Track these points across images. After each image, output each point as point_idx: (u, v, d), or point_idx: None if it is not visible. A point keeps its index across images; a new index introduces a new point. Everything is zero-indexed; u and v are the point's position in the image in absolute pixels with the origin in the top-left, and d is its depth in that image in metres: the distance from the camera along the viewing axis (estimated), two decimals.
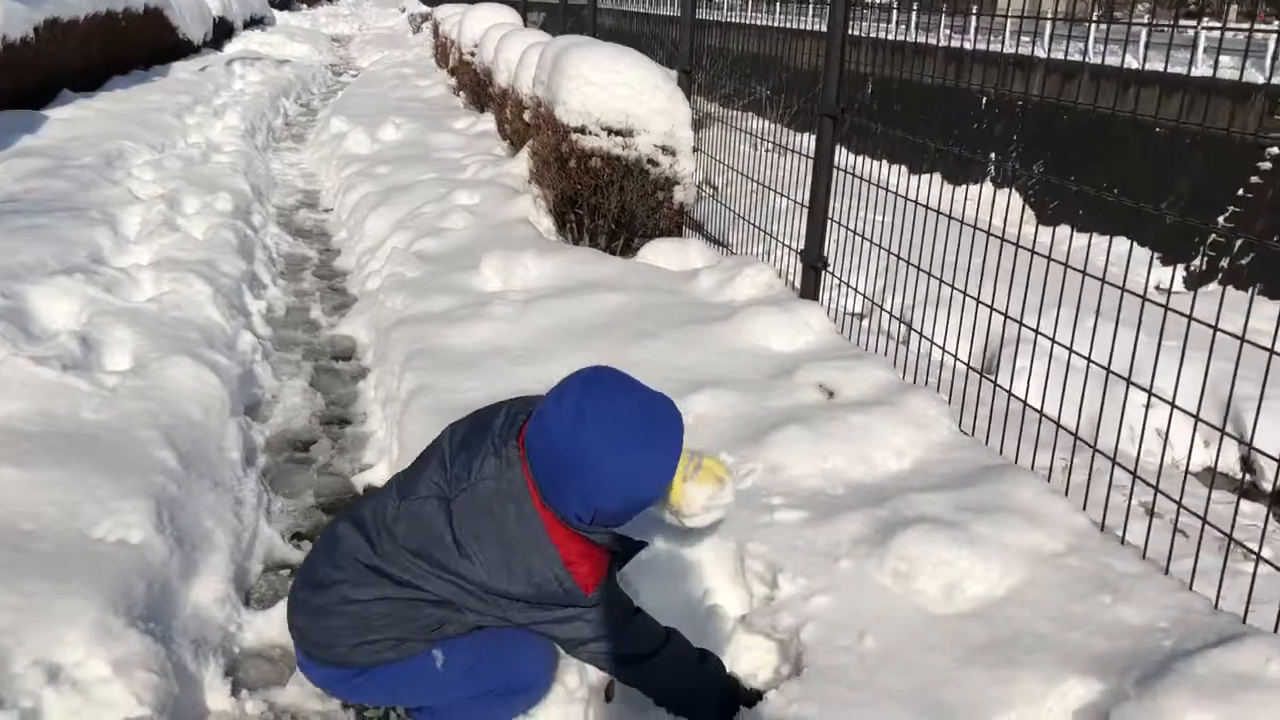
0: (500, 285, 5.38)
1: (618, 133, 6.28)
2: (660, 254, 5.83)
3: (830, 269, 4.75)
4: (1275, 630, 2.37)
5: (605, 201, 6.30)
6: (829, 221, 4.73)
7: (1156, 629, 2.43)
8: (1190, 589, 2.58)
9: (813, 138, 4.84)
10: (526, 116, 7.89)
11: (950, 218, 3.81)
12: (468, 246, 5.98)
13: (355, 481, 3.97)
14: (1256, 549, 2.55)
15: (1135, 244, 9.62)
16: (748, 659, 2.53)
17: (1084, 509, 2.97)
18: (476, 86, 11.57)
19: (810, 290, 4.78)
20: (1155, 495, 2.87)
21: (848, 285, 4.58)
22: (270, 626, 2.99)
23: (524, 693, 2.17)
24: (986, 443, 3.46)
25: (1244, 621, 2.42)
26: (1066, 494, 3.06)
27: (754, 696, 2.39)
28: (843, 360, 4.00)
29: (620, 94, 6.31)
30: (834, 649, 2.47)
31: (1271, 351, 2.48)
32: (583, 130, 6.27)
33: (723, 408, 3.71)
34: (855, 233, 4.48)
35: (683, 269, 5.63)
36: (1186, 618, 2.45)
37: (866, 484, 3.23)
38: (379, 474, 3.95)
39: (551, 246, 5.85)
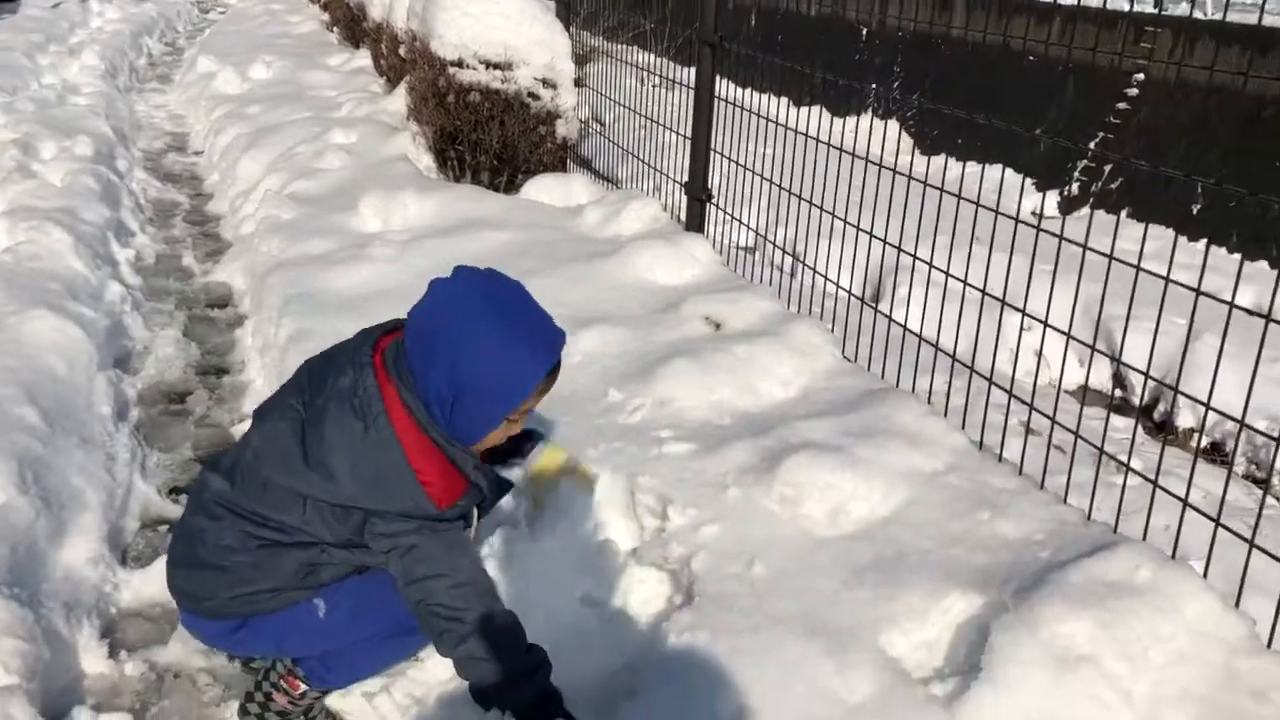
0: (380, 225, 5.24)
1: (496, 66, 6.14)
2: (544, 190, 5.75)
3: (715, 201, 4.74)
4: (1144, 538, 2.46)
5: (486, 137, 6.17)
6: (712, 153, 4.71)
7: (1033, 542, 2.50)
8: (1065, 502, 2.67)
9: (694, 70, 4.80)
10: (402, 51, 7.66)
11: (830, 145, 3.83)
12: (345, 187, 5.79)
13: (235, 432, 3.85)
14: (1126, 460, 2.64)
15: (1012, 172, 9.85)
16: (640, 591, 2.53)
17: (963, 429, 3.04)
18: (350, 22, 11.18)
19: (695, 223, 4.76)
20: (1030, 413, 2.96)
21: (733, 218, 4.58)
22: (149, 585, 2.88)
23: (415, 633, 2.12)
24: (869, 369, 3.52)
25: (1115, 531, 2.51)
26: (946, 415, 3.12)
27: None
28: (729, 292, 4.00)
29: (497, 25, 6.16)
30: (724, 576, 2.49)
31: (1138, 269, 2.55)
32: (460, 64, 6.11)
33: (610, 344, 3.69)
34: (739, 164, 4.47)
35: (567, 205, 5.56)
36: (1061, 530, 2.53)
37: (753, 414, 3.25)
38: None
39: (432, 184, 5.71)
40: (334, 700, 2.34)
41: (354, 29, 11.02)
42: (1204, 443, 5.36)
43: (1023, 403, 2.97)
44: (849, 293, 3.79)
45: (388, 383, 1.98)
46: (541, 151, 6.32)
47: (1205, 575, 2.33)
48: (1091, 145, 9.95)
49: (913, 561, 2.49)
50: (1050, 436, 2.86)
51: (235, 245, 5.78)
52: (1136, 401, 5.73)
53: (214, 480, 2.13)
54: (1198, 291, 2.36)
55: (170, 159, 8.06)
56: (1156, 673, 2.03)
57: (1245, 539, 2.25)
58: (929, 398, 3.27)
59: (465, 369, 1.93)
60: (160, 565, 2.73)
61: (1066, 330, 2.80)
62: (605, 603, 2.54)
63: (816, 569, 2.50)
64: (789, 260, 4.57)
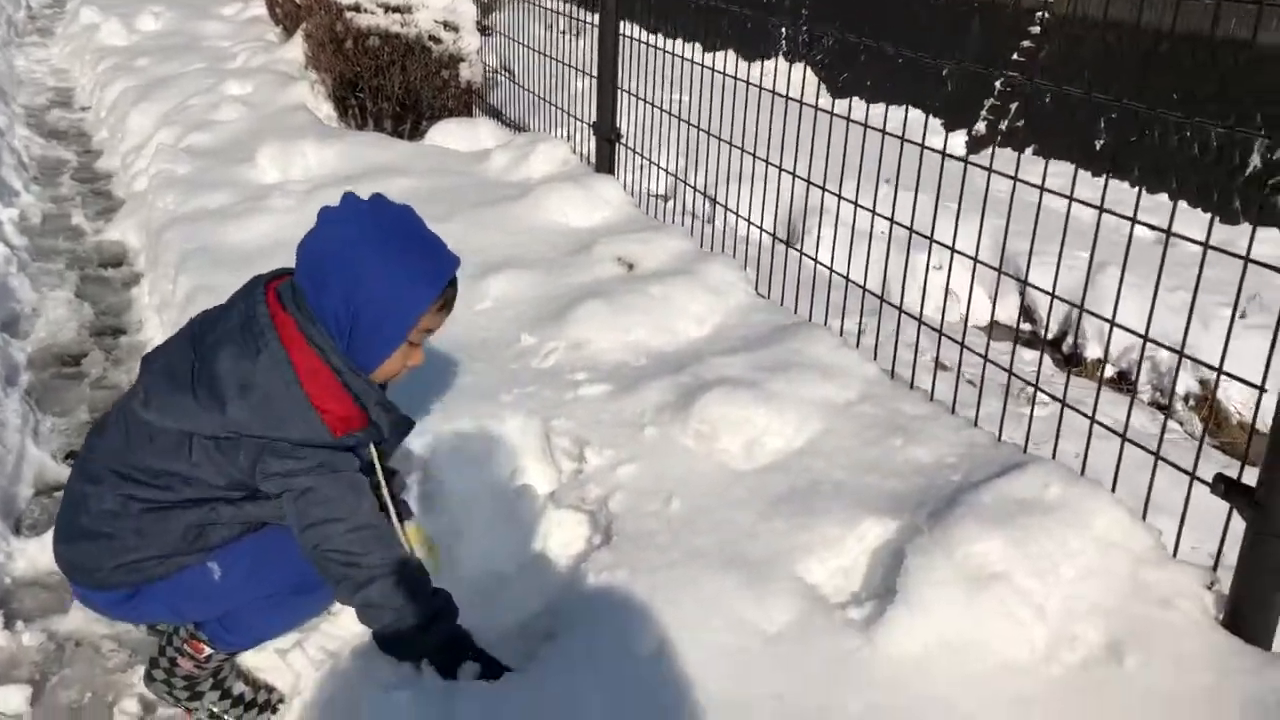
0: (279, 176, 5.07)
1: (395, 9, 5.98)
2: (449, 135, 5.62)
3: (624, 141, 4.67)
4: (1053, 456, 2.49)
5: (387, 83, 6.02)
6: (620, 92, 4.63)
7: (945, 465, 2.52)
8: (975, 425, 2.69)
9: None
10: None
11: (737, 79, 3.78)
12: (242, 139, 5.59)
13: None
14: (1035, 383, 2.66)
15: (919, 112, 9.90)
16: (559, 534, 2.50)
17: (874, 359, 3.05)
18: None
19: (605, 164, 4.69)
20: (939, 342, 2.97)
21: (645, 159, 4.52)
22: (45, 553, 2.75)
23: (319, 589, 2.05)
24: (781, 303, 3.51)
25: (1025, 451, 2.54)
26: (857, 346, 3.13)
27: (495, 665, 2.07)
28: (641, 233, 3.95)
29: None
30: (642, 515, 2.47)
31: (1043, 189, 2.56)
32: (357, 8, 5.93)
33: (522, 288, 3.62)
34: (649, 102, 4.40)
35: (473, 149, 5.44)
36: (972, 452, 2.55)
37: (668, 353, 3.22)
38: None
39: (333, 133, 5.54)
40: (246, 658, 2.27)
41: None
42: (1110, 372, 5.50)
43: (933, 329, 2.99)
44: (767, 232, 3.76)
45: (281, 312, 1.91)
46: (446, 96, 6.18)
47: (1026, 448, 2.46)
48: (997, 86, 10.08)
49: (827, 491, 2.49)
50: (959, 368, 2.87)
51: (128, 202, 5.55)
52: (1044, 334, 5.83)
53: (97, 442, 2.03)
54: (1100, 209, 2.38)
55: (55, 115, 7.70)
56: (1067, 587, 2.06)
57: (1151, 452, 2.29)
58: (841, 331, 3.28)
59: (360, 289, 1.88)
60: None
61: (974, 256, 2.80)
62: (524, 548, 2.51)
63: (733, 503, 2.48)
64: (704, 204, 4.53)
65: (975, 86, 10.25)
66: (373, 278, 1.89)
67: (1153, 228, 2.36)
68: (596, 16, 4.76)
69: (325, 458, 1.91)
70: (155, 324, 4.14)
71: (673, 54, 4.28)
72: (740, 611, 2.17)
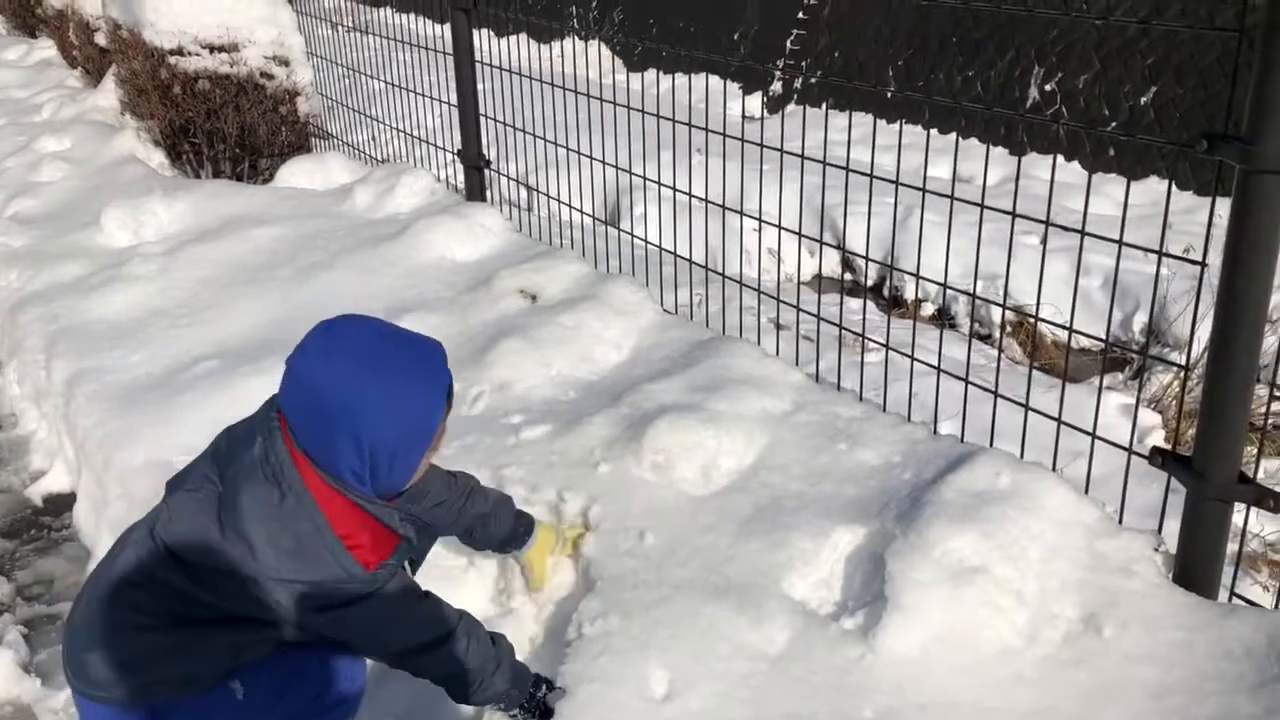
0: (131, 238, 4.83)
1: (221, 49, 5.76)
2: (301, 174, 5.47)
3: (493, 166, 4.66)
4: (963, 439, 2.69)
5: (223, 125, 5.79)
6: (482, 117, 4.62)
7: (893, 464, 2.67)
8: (909, 420, 2.85)
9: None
10: (101, 40, 7.02)
11: (550, 83, 3.84)
12: (77, 200, 5.31)
13: (30, 494, 3.51)
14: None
15: (718, 79, 10.17)
16: (545, 587, 2.53)
17: (797, 364, 3.18)
18: (19, 6, 10.09)
19: (476, 192, 4.67)
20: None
21: (508, 178, 4.56)
22: None
23: (337, 708, 2.03)
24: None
25: (962, 441, 2.71)
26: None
27: (547, 683, 2.20)
28: (534, 260, 3.97)
29: (212, 5, 5.76)
30: (619, 554, 2.52)
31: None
32: (181, 51, 5.68)
33: (429, 332, 3.56)
34: (503, 123, 4.41)
35: (330, 187, 5.32)
36: (915, 448, 2.71)
37: (594, 382, 3.28)
38: (58, 480, 3.53)
39: (178, 185, 5.31)
40: None
41: (25, 15, 9.96)
42: (931, 310, 5.86)
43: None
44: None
45: (295, 449, 1.85)
46: (285, 133, 6.00)
47: (962, 438, 2.69)
48: (788, 44, 10.45)
49: (790, 504, 2.60)
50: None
51: None
52: (864, 281, 6.17)
53: (120, 557, 1.94)
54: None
55: None
56: (1038, 568, 2.23)
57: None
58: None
59: (369, 435, 1.80)
60: None
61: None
62: (509, 606, 2.52)
63: (705, 529, 2.57)
64: (543, 198, 4.67)
65: (767, 49, 10.59)
66: (376, 424, 1.80)
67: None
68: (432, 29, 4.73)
69: (366, 589, 1.89)
70: (34, 415, 3.92)
71: (485, 62, 4.38)
72: (740, 637, 2.25)
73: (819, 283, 6.49)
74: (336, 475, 1.83)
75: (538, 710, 2.14)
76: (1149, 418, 3.73)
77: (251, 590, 1.84)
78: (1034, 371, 3.96)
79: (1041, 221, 2.46)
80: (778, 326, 3.49)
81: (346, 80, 5.99)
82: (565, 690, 2.16)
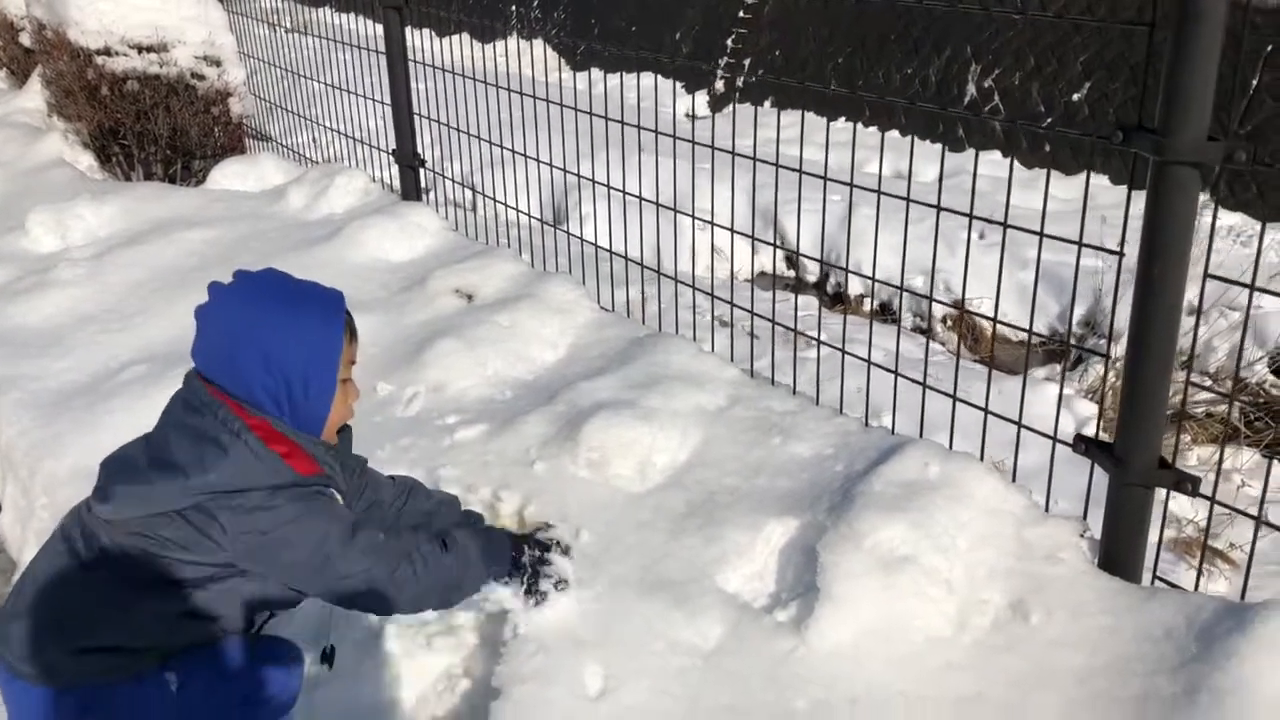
0: (59, 243, 4.73)
1: (150, 49, 5.67)
2: (233, 175, 5.40)
3: (429, 166, 4.62)
4: (894, 431, 2.72)
5: (153, 127, 5.70)
6: (416, 116, 4.59)
7: (825, 457, 2.69)
8: (841, 412, 2.88)
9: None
10: (25, 40, 6.87)
11: (485, 82, 3.83)
12: (1, 205, 5.18)
13: None
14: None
15: (661, 77, 10.21)
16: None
17: (731, 360, 3.19)
18: None
19: (412, 191, 4.64)
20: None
21: (444, 176, 4.53)
22: None
23: (267, 710, 2.01)
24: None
25: (893, 432, 2.74)
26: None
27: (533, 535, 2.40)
28: (470, 260, 3.95)
29: (141, 4, 5.67)
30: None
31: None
32: (108, 52, 5.58)
33: (365, 333, 3.47)
34: (439, 122, 4.39)
35: (263, 188, 5.25)
36: (846, 441, 2.73)
37: (530, 381, 3.26)
38: None
39: (106, 188, 5.21)
40: None
41: None
42: (876, 305, 5.95)
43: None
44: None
45: (218, 391, 1.91)
46: (218, 134, 5.91)
47: (894, 430, 2.73)
48: (729, 43, 10.49)
49: (725, 500, 2.61)
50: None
51: None
52: (809, 279, 6.24)
53: (60, 531, 1.97)
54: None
55: None
56: (966, 556, 2.26)
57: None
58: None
59: (276, 354, 1.88)
60: None
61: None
62: (443, 611, 2.50)
63: (640, 526, 2.57)
64: (485, 199, 4.67)
65: (709, 48, 10.63)
66: (281, 342, 1.90)
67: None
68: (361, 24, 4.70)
69: (302, 495, 1.91)
70: None
71: (422, 62, 4.35)
72: (675, 633, 2.26)
73: (771, 280, 6.55)
74: (255, 402, 1.90)
75: (532, 567, 2.31)
76: (1087, 408, 3.79)
77: (194, 522, 1.82)
78: (980, 365, 4.06)
79: (968, 215, 2.50)
80: (718, 324, 3.52)
81: (286, 82, 5.92)
82: (555, 525, 2.47)
